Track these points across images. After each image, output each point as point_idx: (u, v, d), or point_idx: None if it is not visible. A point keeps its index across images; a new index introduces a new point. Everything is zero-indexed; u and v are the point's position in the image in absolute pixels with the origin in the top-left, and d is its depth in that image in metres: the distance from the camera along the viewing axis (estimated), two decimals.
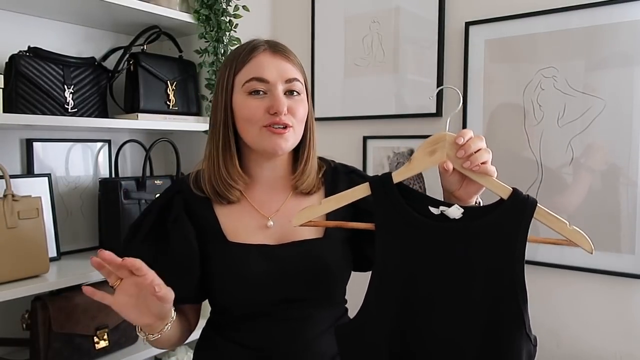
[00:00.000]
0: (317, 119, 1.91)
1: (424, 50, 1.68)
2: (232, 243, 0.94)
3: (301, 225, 0.86)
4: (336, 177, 1.04)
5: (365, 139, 1.82)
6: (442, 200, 0.87)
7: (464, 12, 1.60)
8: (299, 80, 0.94)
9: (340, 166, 1.08)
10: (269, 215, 0.97)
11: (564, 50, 1.43)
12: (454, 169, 0.82)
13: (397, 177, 0.84)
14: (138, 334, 0.89)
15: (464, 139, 0.80)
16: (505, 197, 0.80)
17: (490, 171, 0.81)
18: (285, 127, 0.91)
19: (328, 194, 1.01)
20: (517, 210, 0.79)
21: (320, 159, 1.05)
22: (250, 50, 0.93)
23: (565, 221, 0.80)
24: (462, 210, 0.81)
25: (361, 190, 0.85)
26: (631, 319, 1.37)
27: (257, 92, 0.91)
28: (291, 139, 0.93)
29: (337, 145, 1.88)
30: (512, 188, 0.80)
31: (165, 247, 0.94)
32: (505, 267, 0.79)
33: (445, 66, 1.64)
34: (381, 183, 0.84)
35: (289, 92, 0.93)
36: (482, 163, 0.80)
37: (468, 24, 1.58)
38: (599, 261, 1.39)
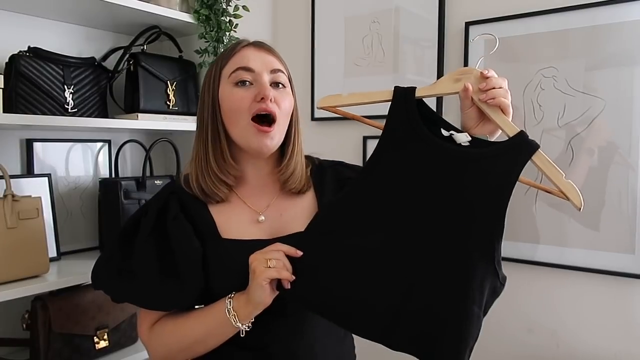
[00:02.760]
0: (317, 119, 1.93)
1: (424, 50, 1.68)
2: (226, 240, 0.95)
3: (323, 108, 0.94)
4: (322, 172, 1.06)
5: (365, 139, 1.82)
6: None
7: (464, 12, 1.60)
8: (283, 72, 0.96)
9: (325, 162, 1.10)
10: (260, 211, 0.99)
11: (564, 50, 1.43)
12: (472, 102, 0.86)
13: (419, 92, 0.88)
14: (239, 325, 0.88)
15: (489, 72, 0.85)
16: (510, 134, 0.83)
17: (505, 104, 0.85)
18: (271, 124, 0.92)
19: (317, 190, 1.03)
20: (517, 148, 0.82)
21: (306, 157, 1.06)
22: (234, 45, 0.97)
23: (562, 172, 0.82)
24: (469, 138, 0.85)
25: (384, 94, 0.90)
26: (631, 319, 1.37)
27: (243, 82, 0.93)
28: (276, 136, 0.94)
29: (337, 145, 1.88)
30: (520, 129, 0.83)
31: (169, 246, 0.94)
32: (489, 198, 0.81)
33: (445, 66, 1.64)
34: (404, 92, 0.88)
35: (275, 84, 0.95)
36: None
37: (468, 24, 1.58)
38: (599, 261, 1.39)
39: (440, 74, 1.64)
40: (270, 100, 0.91)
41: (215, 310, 0.90)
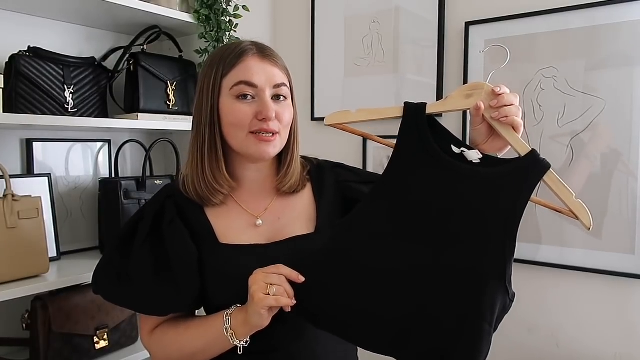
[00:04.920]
0: (317, 119, 1.93)
1: (424, 50, 1.68)
2: (223, 245, 0.94)
3: (331, 126, 0.93)
4: (321, 173, 1.05)
5: (365, 139, 1.82)
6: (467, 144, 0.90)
7: (464, 12, 1.60)
8: (285, 85, 0.95)
9: (324, 162, 1.09)
10: (257, 215, 0.98)
11: (564, 50, 1.43)
12: (483, 119, 0.86)
13: (430, 109, 0.88)
14: (237, 342, 0.88)
15: (501, 89, 0.84)
16: (522, 154, 0.83)
17: (517, 123, 0.84)
18: (273, 134, 0.92)
19: (315, 190, 1.03)
20: (529, 168, 0.82)
21: (304, 158, 1.06)
22: (239, 54, 0.92)
23: (573, 192, 0.82)
24: (481, 156, 0.84)
25: (394, 111, 0.89)
26: (631, 319, 1.37)
27: (244, 96, 0.91)
28: (278, 145, 0.94)
29: (337, 146, 1.88)
30: (532, 148, 0.83)
31: (164, 251, 0.93)
32: (501, 217, 0.81)
33: (445, 66, 1.64)
34: (414, 108, 0.88)
35: (276, 97, 0.93)
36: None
37: (468, 24, 1.58)
38: (599, 261, 1.39)
39: (440, 74, 1.64)
40: (272, 119, 0.91)
41: (213, 325, 0.90)
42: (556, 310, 1.48)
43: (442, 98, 1.63)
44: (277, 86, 0.93)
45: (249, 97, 0.91)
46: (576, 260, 1.43)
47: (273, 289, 0.82)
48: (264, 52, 0.94)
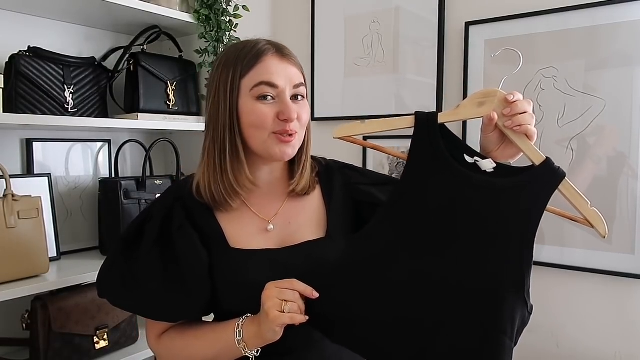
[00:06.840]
0: (317, 119, 1.93)
1: (424, 50, 1.68)
2: (234, 249, 0.93)
3: (340, 139, 0.92)
4: (330, 174, 1.04)
5: (365, 139, 1.82)
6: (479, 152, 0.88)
7: (464, 12, 1.60)
8: (303, 85, 0.94)
9: (332, 163, 1.08)
10: (269, 219, 0.97)
11: (564, 50, 1.43)
12: (495, 127, 0.84)
13: (441, 118, 0.86)
14: (248, 353, 0.87)
15: (514, 97, 0.83)
16: (537, 163, 0.82)
17: (531, 131, 0.83)
18: (292, 134, 0.91)
19: (325, 192, 1.02)
20: (545, 177, 0.81)
21: (312, 157, 1.05)
22: (257, 54, 0.91)
23: (588, 200, 0.81)
24: (494, 165, 0.83)
25: (406, 121, 0.88)
26: (631, 319, 1.37)
27: (265, 97, 0.89)
28: (297, 145, 0.93)
29: (337, 146, 1.87)
30: (546, 157, 0.82)
31: (174, 256, 0.92)
32: (518, 228, 0.80)
33: (445, 66, 1.64)
34: (426, 118, 0.86)
35: (294, 97, 0.92)
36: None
37: (468, 24, 1.58)
38: (599, 261, 1.39)
39: (440, 74, 1.64)
40: (294, 121, 0.90)
41: (224, 335, 0.89)
42: (556, 310, 1.48)
43: (442, 98, 1.64)
44: (297, 86, 0.92)
45: (269, 97, 0.89)
46: (576, 260, 1.43)
47: (287, 306, 0.82)
48: (282, 51, 0.93)
